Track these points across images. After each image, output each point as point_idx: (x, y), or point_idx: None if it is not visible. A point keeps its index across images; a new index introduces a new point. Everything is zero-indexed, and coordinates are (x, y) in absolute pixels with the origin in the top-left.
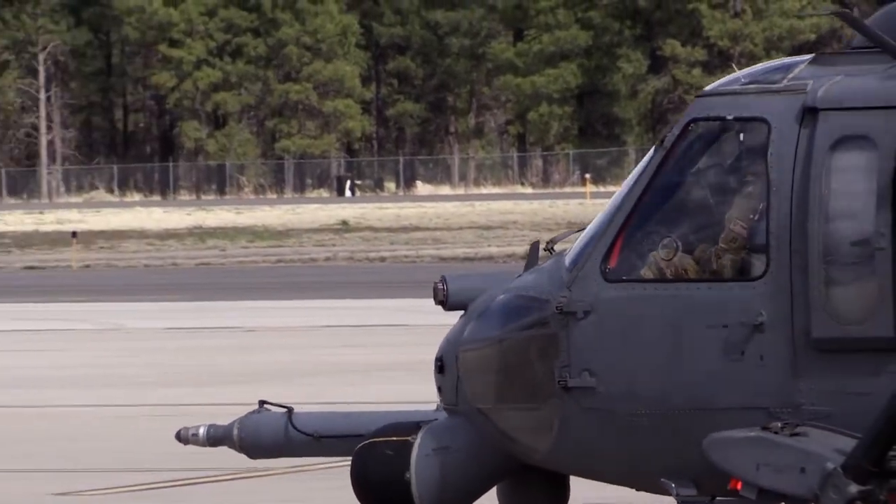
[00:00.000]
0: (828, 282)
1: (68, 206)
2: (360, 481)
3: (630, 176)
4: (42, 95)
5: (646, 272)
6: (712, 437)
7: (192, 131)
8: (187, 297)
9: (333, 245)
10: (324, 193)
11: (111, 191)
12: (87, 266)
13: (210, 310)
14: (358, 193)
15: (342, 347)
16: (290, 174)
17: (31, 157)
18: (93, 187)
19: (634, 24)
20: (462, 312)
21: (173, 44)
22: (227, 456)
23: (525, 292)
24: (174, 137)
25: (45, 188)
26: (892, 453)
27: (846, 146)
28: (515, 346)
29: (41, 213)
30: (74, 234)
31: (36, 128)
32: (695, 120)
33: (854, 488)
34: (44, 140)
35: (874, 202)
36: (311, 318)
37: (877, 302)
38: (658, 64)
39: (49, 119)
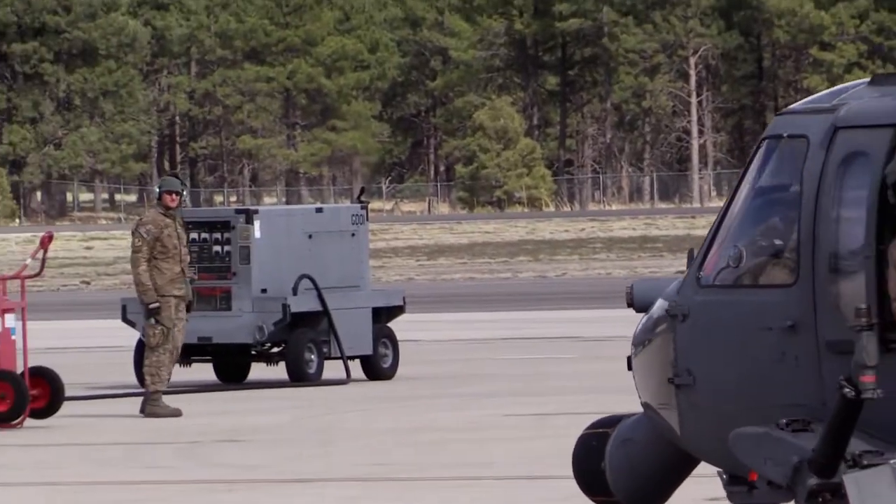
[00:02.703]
0: (834, 288)
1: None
2: (575, 469)
3: None
4: (693, 99)
5: (722, 278)
6: (735, 433)
7: None
8: None
9: None
10: None
11: None
12: None
13: None
14: None
15: None
16: None
17: (683, 161)
18: None
19: None
20: None
21: (824, 47)
22: None
23: (665, 297)
24: None
25: (696, 192)
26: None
27: (851, 162)
28: (652, 346)
29: (693, 217)
30: None
31: (687, 132)
32: (766, 137)
33: (814, 481)
34: (695, 144)
35: (868, 214)
36: None
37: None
38: None
39: (700, 123)
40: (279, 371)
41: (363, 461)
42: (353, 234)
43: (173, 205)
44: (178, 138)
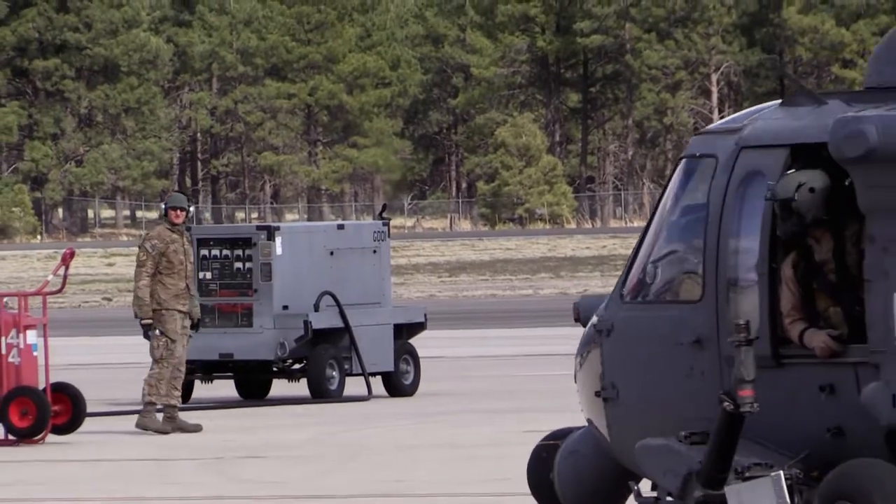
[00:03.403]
0: (731, 305)
1: None
2: (528, 479)
3: None
4: (715, 116)
5: (640, 295)
6: (639, 444)
7: None
8: None
9: None
10: None
11: None
12: None
13: None
14: None
15: None
16: None
17: None
18: None
19: None
20: None
21: (846, 64)
22: None
23: (597, 313)
24: None
25: None
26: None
27: (749, 181)
28: (587, 360)
29: None
30: None
31: None
32: (682, 157)
33: (699, 492)
34: None
35: (762, 233)
36: None
37: (759, 324)
38: None
39: None
40: (301, 388)
41: (385, 477)
42: (374, 251)
43: (178, 221)
44: (199, 155)
